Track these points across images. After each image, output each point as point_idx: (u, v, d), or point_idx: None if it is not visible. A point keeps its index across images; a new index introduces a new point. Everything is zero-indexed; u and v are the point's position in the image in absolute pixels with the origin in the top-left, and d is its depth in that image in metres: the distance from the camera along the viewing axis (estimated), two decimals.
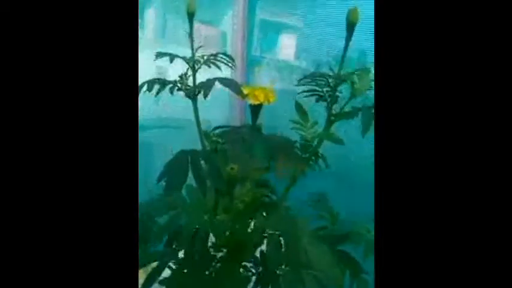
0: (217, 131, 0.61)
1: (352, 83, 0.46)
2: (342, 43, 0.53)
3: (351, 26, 0.46)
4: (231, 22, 1.16)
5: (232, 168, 0.33)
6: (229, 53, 1.13)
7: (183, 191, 0.42)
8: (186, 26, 0.56)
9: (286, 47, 1.06)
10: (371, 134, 0.46)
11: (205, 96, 0.50)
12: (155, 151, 1.11)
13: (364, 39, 0.67)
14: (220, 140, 0.59)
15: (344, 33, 0.59)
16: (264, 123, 0.56)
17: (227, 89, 0.51)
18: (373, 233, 0.52)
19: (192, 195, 0.40)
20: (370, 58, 0.74)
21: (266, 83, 1.11)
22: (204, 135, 0.59)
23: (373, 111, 0.47)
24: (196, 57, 0.56)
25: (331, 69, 0.50)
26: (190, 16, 0.53)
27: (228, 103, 1.16)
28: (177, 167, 0.47)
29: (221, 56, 0.59)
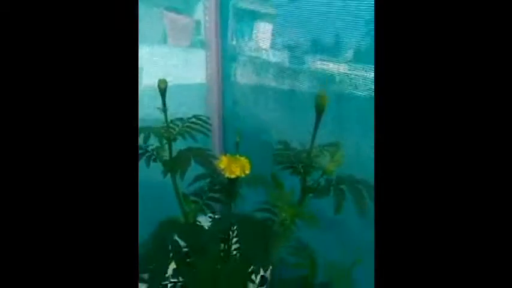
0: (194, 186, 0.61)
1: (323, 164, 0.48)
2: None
3: (319, 110, 0.46)
4: (204, 11, 1.13)
5: None
6: (203, 40, 1.11)
7: None
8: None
9: (262, 34, 1.05)
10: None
11: (182, 178, 0.51)
12: None
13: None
14: (199, 200, 0.61)
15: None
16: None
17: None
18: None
19: None
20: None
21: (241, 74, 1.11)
22: (183, 196, 0.60)
23: (343, 187, 0.49)
24: (171, 126, 0.56)
25: (301, 143, 0.51)
26: (162, 92, 0.52)
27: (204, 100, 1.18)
28: (157, 253, 0.45)
29: (196, 120, 0.58)
